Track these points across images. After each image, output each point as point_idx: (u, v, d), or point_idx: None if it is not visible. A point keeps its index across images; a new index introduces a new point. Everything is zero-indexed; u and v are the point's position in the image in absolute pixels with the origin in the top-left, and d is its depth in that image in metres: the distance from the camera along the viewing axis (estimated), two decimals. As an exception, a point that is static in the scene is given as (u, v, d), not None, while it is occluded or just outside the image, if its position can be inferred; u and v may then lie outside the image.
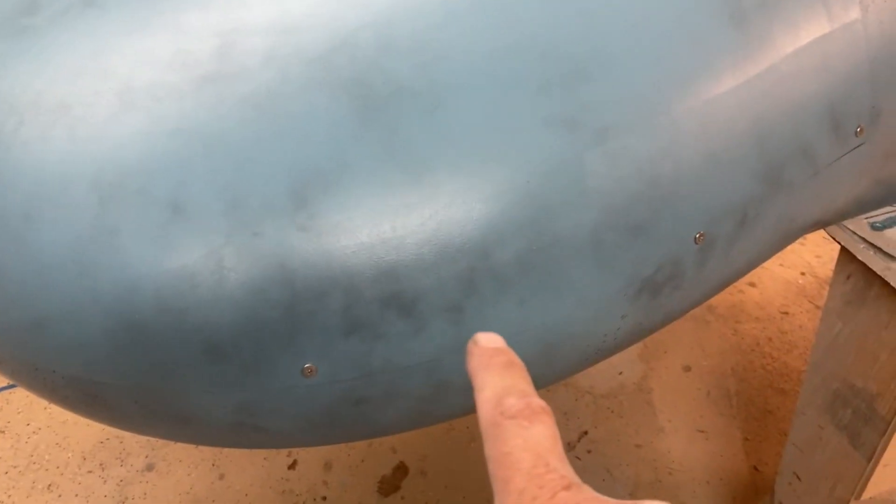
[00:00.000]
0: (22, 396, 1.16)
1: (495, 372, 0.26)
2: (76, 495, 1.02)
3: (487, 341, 0.28)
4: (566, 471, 0.22)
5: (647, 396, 1.15)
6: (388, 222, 0.38)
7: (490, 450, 0.23)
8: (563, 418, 1.10)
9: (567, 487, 0.21)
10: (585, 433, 1.09)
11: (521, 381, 0.26)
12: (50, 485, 1.03)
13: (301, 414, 0.41)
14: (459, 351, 0.41)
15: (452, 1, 0.40)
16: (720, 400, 1.15)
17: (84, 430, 1.11)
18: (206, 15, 0.39)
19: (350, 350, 0.39)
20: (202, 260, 0.37)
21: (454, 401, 0.43)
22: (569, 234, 0.40)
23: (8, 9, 0.41)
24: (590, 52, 0.41)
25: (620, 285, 0.43)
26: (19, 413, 1.14)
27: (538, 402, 0.24)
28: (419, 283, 0.38)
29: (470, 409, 0.46)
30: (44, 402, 1.15)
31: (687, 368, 1.19)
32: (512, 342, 0.42)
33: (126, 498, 1.01)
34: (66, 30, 0.40)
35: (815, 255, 1.36)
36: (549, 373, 0.45)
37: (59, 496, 1.02)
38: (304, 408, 0.40)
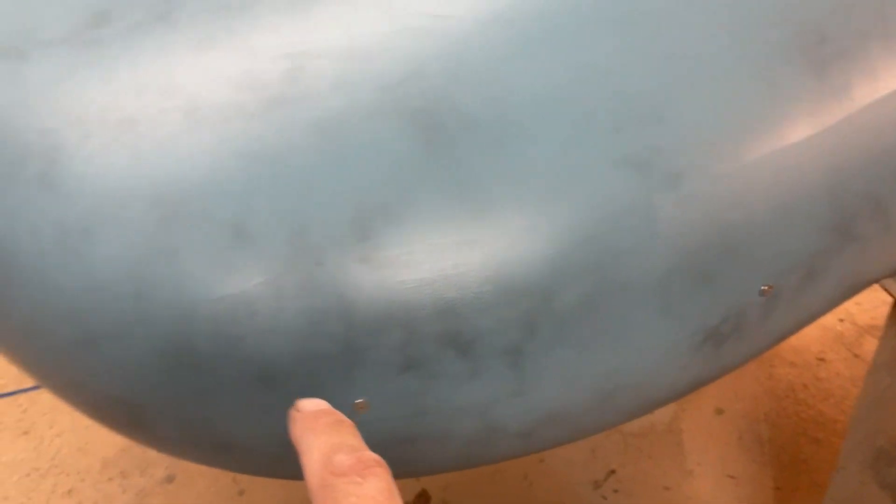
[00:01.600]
0: (48, 398, 1.16)
1: (321, 432, 0.24)
2: (95, 503, 1.01)
3: (310, 405, 0.26)
4: None
5: (677, 438, 1.12)
6: (450, 259, 0.37)
7: None
8: (591, 455, 1.08)
9: None
10: (613, 472, 1.07)
11: (349, 437, 0.24)
12: (70, 490, 1.02)
13: (348, 449, 0.40)
14: (515, 395, 0.40)
15: (525, 34, 0.39)
16: (752, 445, 1.12)
17: (106, 437, 1.11)
18: (277, 36, 0.39)
19: (404, 388, 0.38)
20: (262, 287, 0.36)
21: (504, 445, 0.42)
22: (636, 280, 0.39)
23: (78, 20, 0.40)
24: (664, 95, 0.40)
25: (685, 335, 0.41)
26: (44, 415, 1.13)
27: (370, 455, 0.23)
28: (479, 323, 0.37)
29: (519, 453, 0.44)
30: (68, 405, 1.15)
31: (719, 411, 1.17)
32: (568, 388, 0.41)
33: (145, 508, 1.00)
34: (135, 44, 0.39)
35: (854, 301, 1.34)
36: (602, 422, 0.44)
37: (79, 502, 1.01)
38: (351, 443, 0.39)
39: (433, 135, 0.37)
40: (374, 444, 0.40)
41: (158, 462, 1.07)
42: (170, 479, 1.04)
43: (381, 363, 0.37)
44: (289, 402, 0.37)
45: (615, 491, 1.04)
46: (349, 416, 0.38)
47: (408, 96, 0.38)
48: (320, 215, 0.36)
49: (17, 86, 0.39)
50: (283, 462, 0.40)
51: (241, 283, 0.36)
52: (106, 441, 1.10)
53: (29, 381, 1.18)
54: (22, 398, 1.16)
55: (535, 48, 0.39)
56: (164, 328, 0.36)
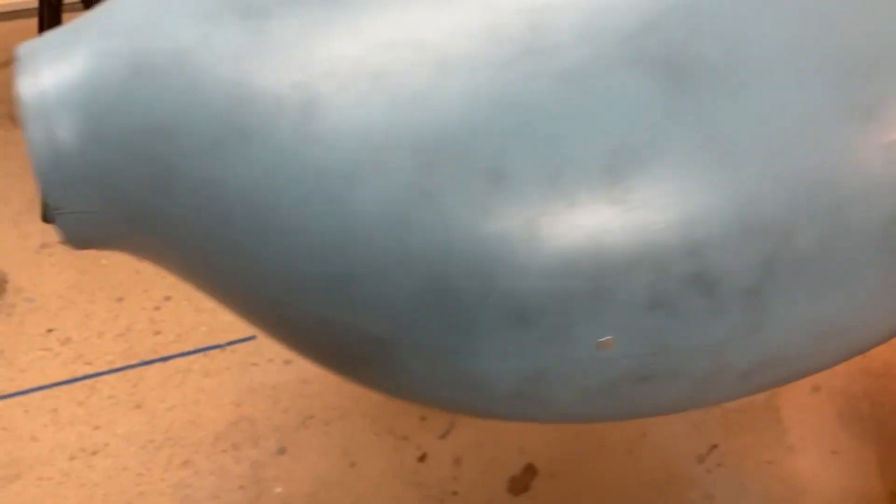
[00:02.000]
0: (155, 373, 1.19)
1: None
2: (211, 473, 1.04)
3: None
4: None
5: (775, 414, 1.13)
6: (695, 201, 0.38)
7: None
8: (693, 429, 1.09)
9: None
10: (715, 446, 1.08)
11: None
12: (186, 461, 1.05)
13: (586, 387, 0.41)
14: (748, 334, 0.41)
15: (753, -12, 0.41)
16: (852, 422, 1.12)
17: (215, 411, 1.13)
18: (515, -9, 0.40)
19: (649, 326, 0.39)
20: (519, 227, 0.38)
21: (725, 386, 0.44)
22: (861, 226, 0.40)
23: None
24: (886, 46, 0.41)
25: (902, 280, 0.43)
26: (153, 390, 1.16)
27: None
28: (722, 262, 0.39)
29: (732, 396, 0.46)
30: (176, 381, 1.18)
31: (816, 388, 1.17)
32: (797, 329, 0.42)
33: (259, 480, 1.03)
34: (378, 1, 0.41)
35: (945, 281, 1.33)
36: (815, 364, 0.45)
37: (195, 473, 1.04)
38: (591, 381, 0.41)
39: (676, 82, 0.39)
40: (613, 381, 0.41)
41: (269, 435, 1.09)
42: (282, 451, 1.07)
43: (628, 301, 0.39)
44: (541, 338, 0.39)
45: (719, 465, 1.05)
46: (593, 355, 0.40)
47: (649, 46, 0.39)
48: (573, 159, 0.38)
49: (264, 42, 0.41)
50: (519, 401, 0.42)
51: (498, 223, 0.38)
52: (216, 415, 1.13)
53: (136, 357, 1.21)
54: (130, 374, 1.19)
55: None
56: (424, 266, 0.38)
